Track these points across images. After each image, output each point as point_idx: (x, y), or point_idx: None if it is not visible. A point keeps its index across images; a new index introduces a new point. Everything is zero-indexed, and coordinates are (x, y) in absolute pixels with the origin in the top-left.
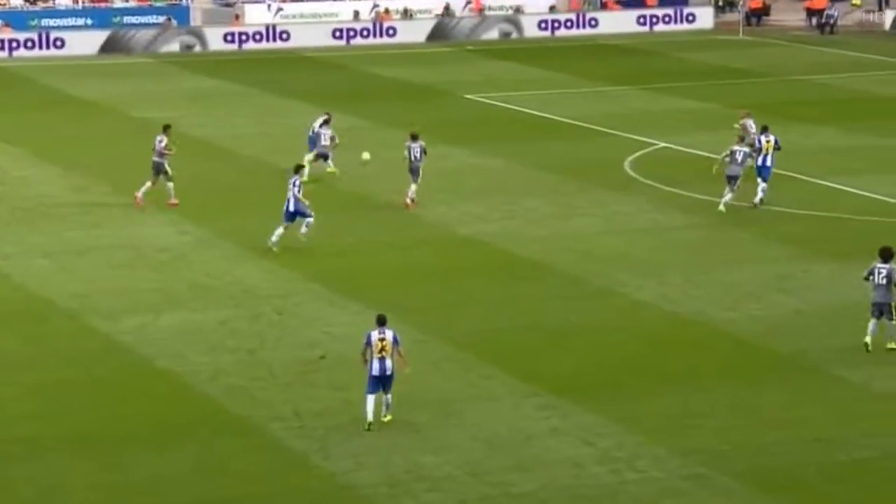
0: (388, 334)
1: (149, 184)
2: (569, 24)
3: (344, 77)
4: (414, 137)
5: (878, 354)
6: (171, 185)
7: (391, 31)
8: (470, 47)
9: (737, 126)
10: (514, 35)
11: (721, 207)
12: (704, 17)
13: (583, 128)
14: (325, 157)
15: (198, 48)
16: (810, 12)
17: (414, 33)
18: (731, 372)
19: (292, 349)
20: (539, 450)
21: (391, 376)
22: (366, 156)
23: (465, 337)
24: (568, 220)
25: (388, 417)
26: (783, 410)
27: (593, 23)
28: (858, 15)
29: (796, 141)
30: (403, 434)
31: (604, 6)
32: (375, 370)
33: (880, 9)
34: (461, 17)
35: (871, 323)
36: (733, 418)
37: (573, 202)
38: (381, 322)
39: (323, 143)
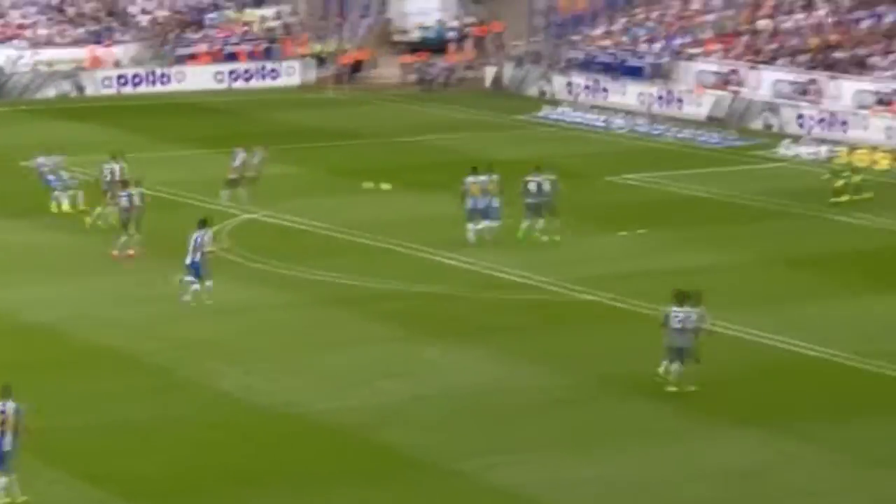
0: (10, 407)
1: None
2: (137, 80)
3: None
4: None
5: (492, 442)
6: None
7: None
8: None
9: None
10: (75, 94)
11: (557, 237)
12: (292, 74)
13: (154, 196)
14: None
15: None
16: (407, 67)
17: None
18: (330, 470)
19: None
20: None
21: (10, 453)
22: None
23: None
24: (147, 303)
25: (6, 500)
26: None
27: (165, 79)
28: (459, 71)
29: (407, 209)
30: None
31: (182, 61)
32: None
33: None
34: (13, 74)
35: (667, 363)
36: None
37: (151, 281)
38: (4, 395)
39: (108, 178)
